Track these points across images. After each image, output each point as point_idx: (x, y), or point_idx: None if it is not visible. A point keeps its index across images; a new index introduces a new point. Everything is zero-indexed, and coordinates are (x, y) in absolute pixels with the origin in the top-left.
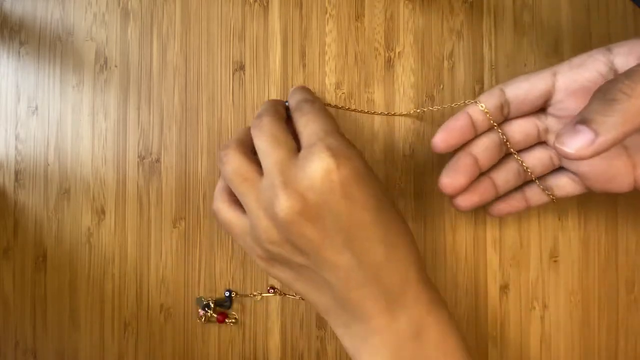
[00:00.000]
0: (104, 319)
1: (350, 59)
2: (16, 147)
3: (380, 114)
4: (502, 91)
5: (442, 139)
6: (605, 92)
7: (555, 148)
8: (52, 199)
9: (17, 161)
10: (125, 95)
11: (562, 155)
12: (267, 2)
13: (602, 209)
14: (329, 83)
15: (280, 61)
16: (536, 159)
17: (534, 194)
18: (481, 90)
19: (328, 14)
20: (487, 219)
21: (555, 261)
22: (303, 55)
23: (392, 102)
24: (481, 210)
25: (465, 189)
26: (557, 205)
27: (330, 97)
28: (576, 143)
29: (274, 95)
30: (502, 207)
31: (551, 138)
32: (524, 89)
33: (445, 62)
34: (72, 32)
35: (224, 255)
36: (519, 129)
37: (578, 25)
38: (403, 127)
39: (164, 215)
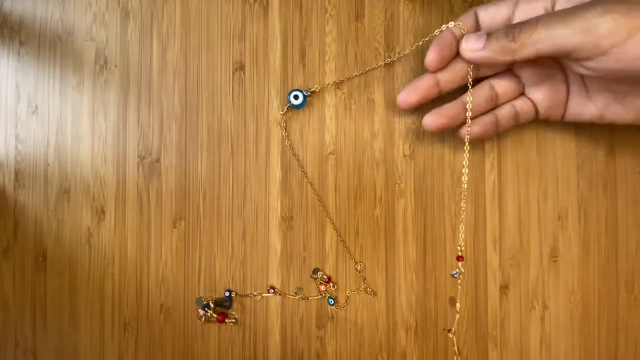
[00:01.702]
0: (104, 319)
1: (350, 59)
2: (16, 147)
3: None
4: (476, 13)
5: (403, 99)
6: (514, 27)
7: (460, 40)
8: (52, 199)
9: (17, 161)
10: (125, 95)
11: (460, 48)
12: (267, 2)
13: (602, 209)
14: (329, 83)
15: (280, 61)
16: (504, 86)
17: (503, 115)
18: None
19: (328, 14)
20: (488, 219)
21: (555, 261)
22: (303, 55)
23: (392, 102)
24: (481, 210)
25: (419, 105)
26: (557, 205)
27: (330, 97)
28: (471, 44)
29: (274, 95)
30: (473, 129)
31: (517, 68)
32: (490, 13)
33: None
34: (72, 32)
35: (224, 255)
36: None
37: None
38: (403, 127)
39: (164, 215)
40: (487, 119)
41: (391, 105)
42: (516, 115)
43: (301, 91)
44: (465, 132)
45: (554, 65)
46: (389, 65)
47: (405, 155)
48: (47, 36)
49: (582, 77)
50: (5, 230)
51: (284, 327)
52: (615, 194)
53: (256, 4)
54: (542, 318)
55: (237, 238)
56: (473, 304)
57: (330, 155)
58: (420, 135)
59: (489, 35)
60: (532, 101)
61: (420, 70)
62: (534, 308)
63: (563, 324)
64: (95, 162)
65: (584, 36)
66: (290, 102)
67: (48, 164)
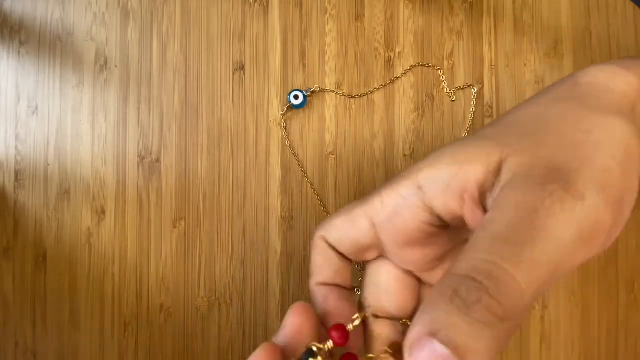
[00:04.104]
0: (104, 319)
1: (350, 59)
2: (16, 147)
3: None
4: (329, 243)
5: None
6: (466, 299)
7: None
8: (52, 199)
9: (17, 161)
10: (125, 95)
11: None
12: (267, 2)
13: None
14: (329, 83)
15: (280, 61)
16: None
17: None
18: (481, 91)
19: (328, 14)
20: None
21: None
22: (303, 55)
23: (392, 102)
24: None
25: None
26: None
27: (330, 97)
28: None
29: (274, 95)
30: None
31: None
32: (350, 243)
33: (445, 62)
34: (72, 32)
35: (224, 255)
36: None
37: (578, 25)
38: (403, 127)
39: (164, 215)
40: None
41: (391, 105)
42: None
43: (301, 91)
44: None
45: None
46: (389, 65)
47: (405, 155)
48: (47, 36)
49: None
50: (5, 230)
51: None
52: None
53: (256, 4)
54: (542, 318)
55: (237, 238)
56: None
57: (330, 155)
58: (420, 135)
59: (447, 338)
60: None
61: (421, 70)
62: (534, 308)
63: (563, 324)
64: (95, 162)
65: (589, 244)
66: (290, 102)
67: (48, 164)
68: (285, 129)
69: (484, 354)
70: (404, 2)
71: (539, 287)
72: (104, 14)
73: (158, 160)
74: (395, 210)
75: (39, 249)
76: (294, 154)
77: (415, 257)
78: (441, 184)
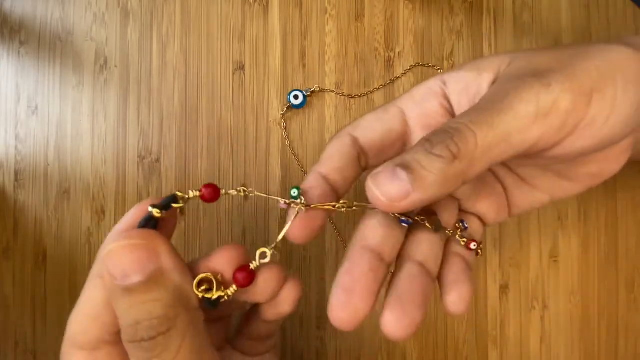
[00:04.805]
0: None
1: (350, 59)
2: (16, 147)
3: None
4: (354, 138)
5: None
6: (433, 141)
7: (367, 186)
8: (52, 199)
9: (17, 161)
10: (125, 96)
11: (370, 198)
12: (267, 2)
13: (602, 209)
14: (329, 83)
15: (280, 61)
16: (445, 211)
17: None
18: None
19: (328, 14)
20: None
21: (555, 261)
22: (303, 55)
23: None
24: None
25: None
26: (557, 205)
27: (330, 97)
28: (391, 190)
29: (274, 95)
30: (455, 298)
31: None
32: (379, 134)
33: (445, 62)
34: (72, 32)
35: None
36: None
37: (578, 25)
38: None
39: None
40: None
41: None
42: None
43: (301, 91)
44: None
45: None
46: (389, 65)
47: None
48: (47, 36)
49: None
50: (5, 230)
51: (284, 327)
52: (615, 194)
53: (256, 4)
54: (542, 318)
55: (237, 238)
56: (473, 304)
57: None
58: None
59: (408, 165)
60: (477, 216)
61: (421, 70)
62: (534, 308)
63: (563, 324)
64: (95, 162)
65: (543, 121)
66: (290, 102)
67: (48, 164)
68: (285, 129)
69: (432, 183)
70: (404, 2)
71: (491, 145)
72: (104, 14)
73: (158, 160)
74: (423, 97)
75: (38, 249)
76: (294, 154)
77: None
78: (462, 84)
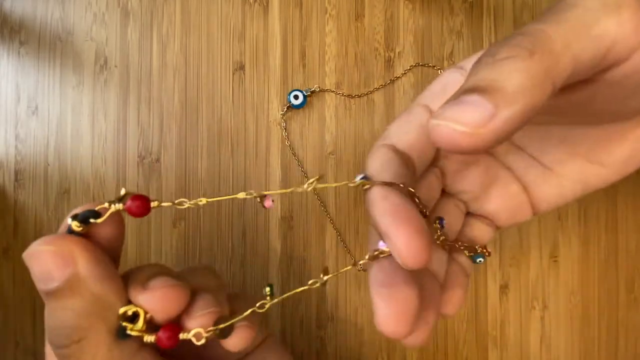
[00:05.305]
0: None
1: (350, 59)
2: (16, 147)
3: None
4: (391, 146)
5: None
6: (494, 51)
7: (432, 129)
8: (52, 199)
9: (17, 161)
10: (125, 95)
11: (440, 138)
12: (267, 2)
13: (602, 209)
14: (329, 83)
15: (280, 61)
16: (447, 216)
17: (464, 260)
18: None
19: (328, 14)
20: None
21: (555, 261)
22: (303, 55)
23: (392, 102)
24: None
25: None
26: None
27: (330, 97)
28: (469, 117)
29: (274, 95)
30: (450, 298)
31: (449, 183)
32: (413, 135)
33: (445, 62)
34: (72, 32)
35: (224, 255)
36: (423, 187)
37: None
38: None
39: (164, 215)
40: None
41: (391, 105)
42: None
43: (301, 91)
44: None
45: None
46: (389, 65)
47: None
48: (47, 36)
49: (535, 160)
50: (5, 230)
51: (284, 327)
52: (615, 194)
53: (256, 4)
54: (542, 318)
55: (236, 238)
56: (473, 304)
57: (330, 155)
58: None
59: (475, 87)
60: (486, 218)
61: (421, 70)
62: (534, 308)
63: (563, 324)
64: (95, 162)
65: (617, 13)
66: (290, 102)
67: (48, 164)
68: (285, 129)
69: (516, 90)
70: (404, 2)
71: (568, 38)
72: (104, 14)
73: (158, 160)
74: (443, 87)
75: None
76: (294, 154)
77: None
78: None
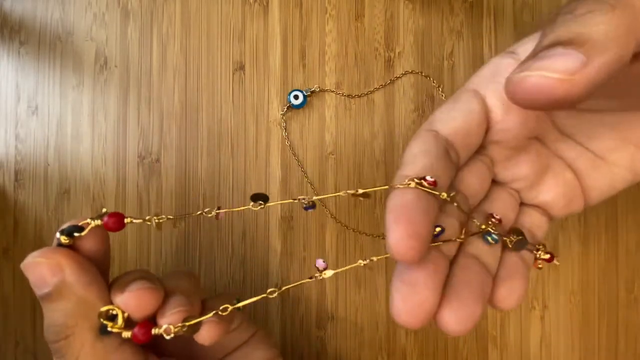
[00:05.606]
0: None
1: (350, 59)
2: (16, 147)
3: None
4: (435, 132)
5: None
6: (571, 10)
7: (520, 82)
8: (52, 199)
9: (17, 161)
10: (125, 95)
11: (536, 92)
12: (267, 2)
13: (602, 209)
14: (329, 83)
15: (280, 61)
16: (502, 205)
17: (524, 252)
18: None
19: (328, 14)
20: None
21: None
22: (303, 55)
23: (392, 102)
24: None
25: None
26: None
27: (330, 97)
28: (561, 65)
29: (274, 95)
30: (504, 292)
31: (501, 170)
32: (460, 121)
33: (445, 62)
34: (72, 32)
35: (224, 255)
36: (473, 175)
37: None
38: (403, 127)
39: (164, 215)
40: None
41: (391, 105)
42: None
43: (301, 91)
44: None
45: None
46: (389, 65)
47: None
48: (47, 36)
49: (586, 149)
50: (5, 230)
51: (284, 327)
52: (615, 194)
53: (256, 4)
54: (542, 318)
55: (237, 238)
56: None
57: (330, 155)
58: None
59: (560, 39)
60: (540, 208)
61: (421, 70)
62: (534, 308)
63: (563, 324)
64: (95, 162)
65: None
66: (290, 102)
67: (48, 164)
68: (285, 129)
69: (604, 40)
70: (404, 2)
71: None
72: (104, 14)
73: (158, 160)
74: (493, 72)
75: (39, 249)
76: (294, 154)
77: (521, 118)
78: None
